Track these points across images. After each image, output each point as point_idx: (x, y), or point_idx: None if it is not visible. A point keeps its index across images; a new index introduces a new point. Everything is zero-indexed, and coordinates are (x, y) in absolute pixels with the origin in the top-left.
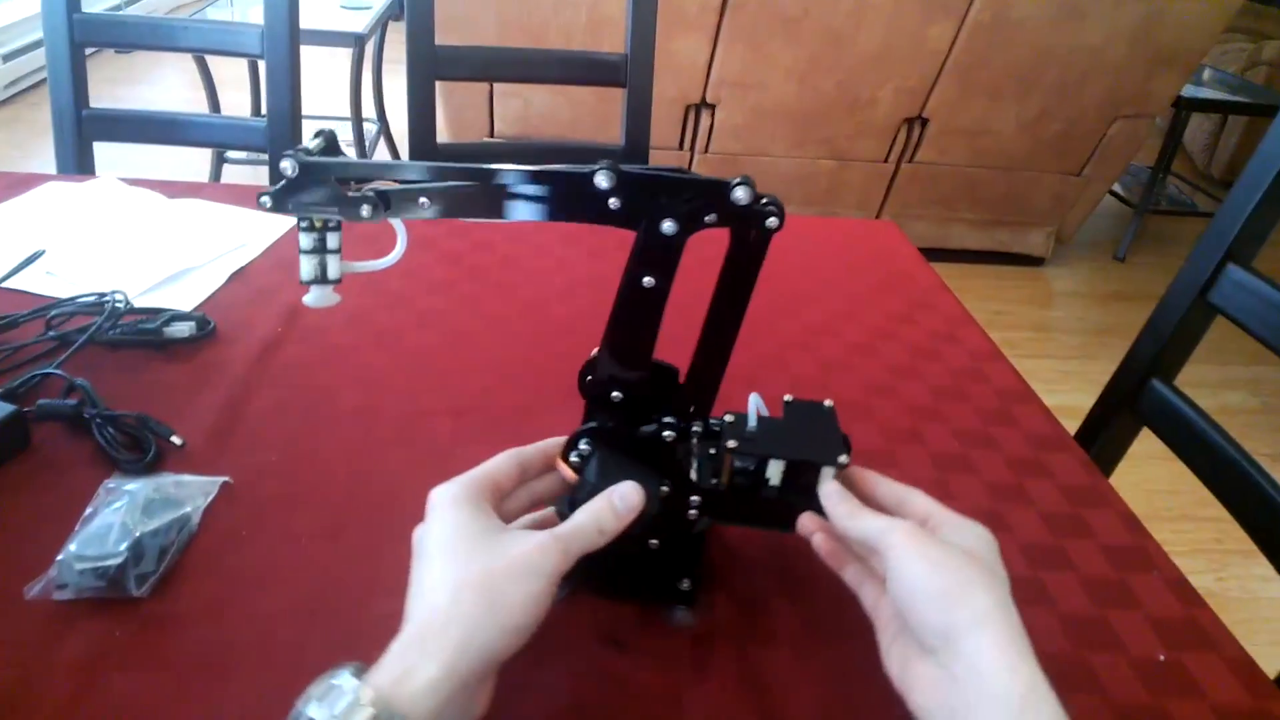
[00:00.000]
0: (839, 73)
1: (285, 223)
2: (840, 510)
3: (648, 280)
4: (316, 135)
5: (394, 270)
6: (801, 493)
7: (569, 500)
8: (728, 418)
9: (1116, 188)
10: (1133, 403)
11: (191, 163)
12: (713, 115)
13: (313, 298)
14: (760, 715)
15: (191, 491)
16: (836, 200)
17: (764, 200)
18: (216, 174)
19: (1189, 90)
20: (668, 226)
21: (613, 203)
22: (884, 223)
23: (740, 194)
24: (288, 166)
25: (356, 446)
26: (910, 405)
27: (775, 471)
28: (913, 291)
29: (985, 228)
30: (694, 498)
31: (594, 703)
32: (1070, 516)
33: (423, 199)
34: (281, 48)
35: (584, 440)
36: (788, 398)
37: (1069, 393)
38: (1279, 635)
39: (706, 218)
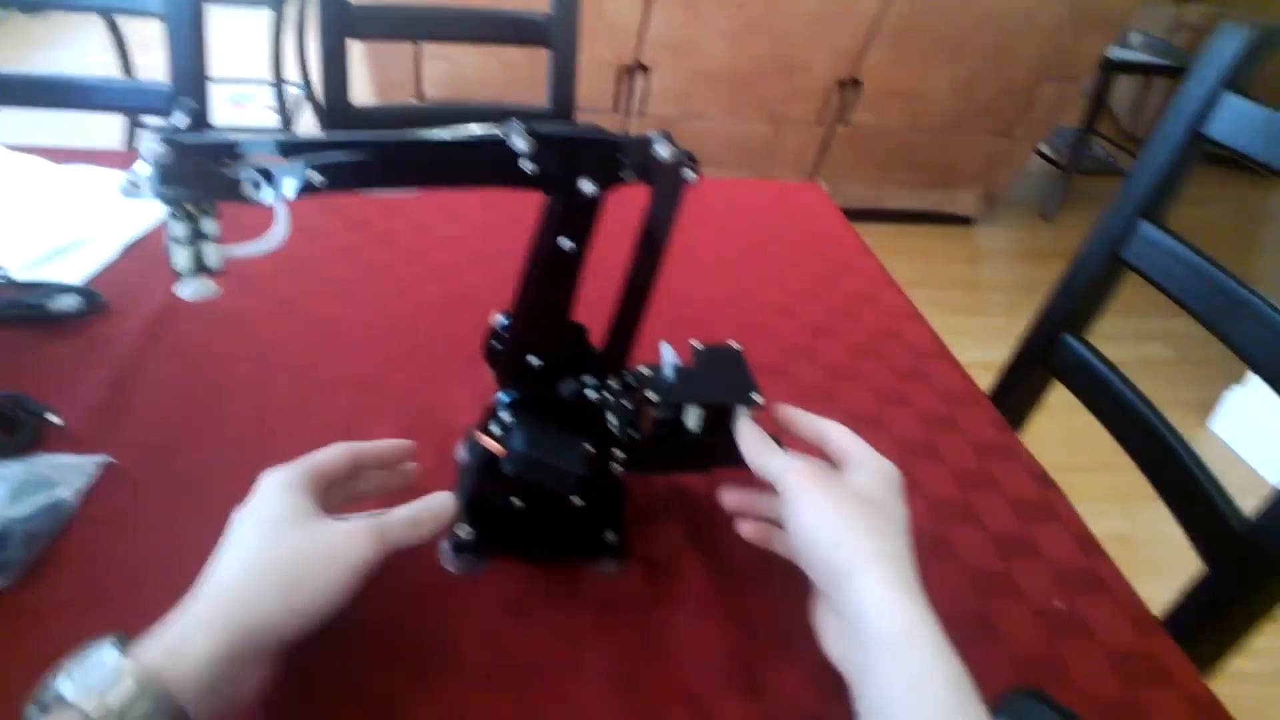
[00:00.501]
0: (773, 35)
1: None
2: (750, 447)
3: (565, 243)
4: (178, 109)
5: (298, 237)
6: (720, 434)
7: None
8: (643, 370)
9: (1044, 148)
10: (1044, 357)
11: (104, 132)
12: (647, 78)
13: (190, 290)
14: (667, 668)
15: (69, 473)
16: (772, 163)
17: (681, 156)
18: (129, 143)
19: (1115, 53)
20: (587, 186)
21: (526, 165)
22: (808, 185)
23: (661, 149)
24: (157, 152)
25: (251, 422)
26: (826, 365)
27: (693, 418)
28: (834, 253)
29: (918, 189)
30: (617, 453)
31: (500, 671)
32: (979, 472)
33: (313, 173)
34: (184, 5)
35: (505, 411)
36: (695, 343)
37: (996, 349)
38: (1180, 570)
39: (624, 175)
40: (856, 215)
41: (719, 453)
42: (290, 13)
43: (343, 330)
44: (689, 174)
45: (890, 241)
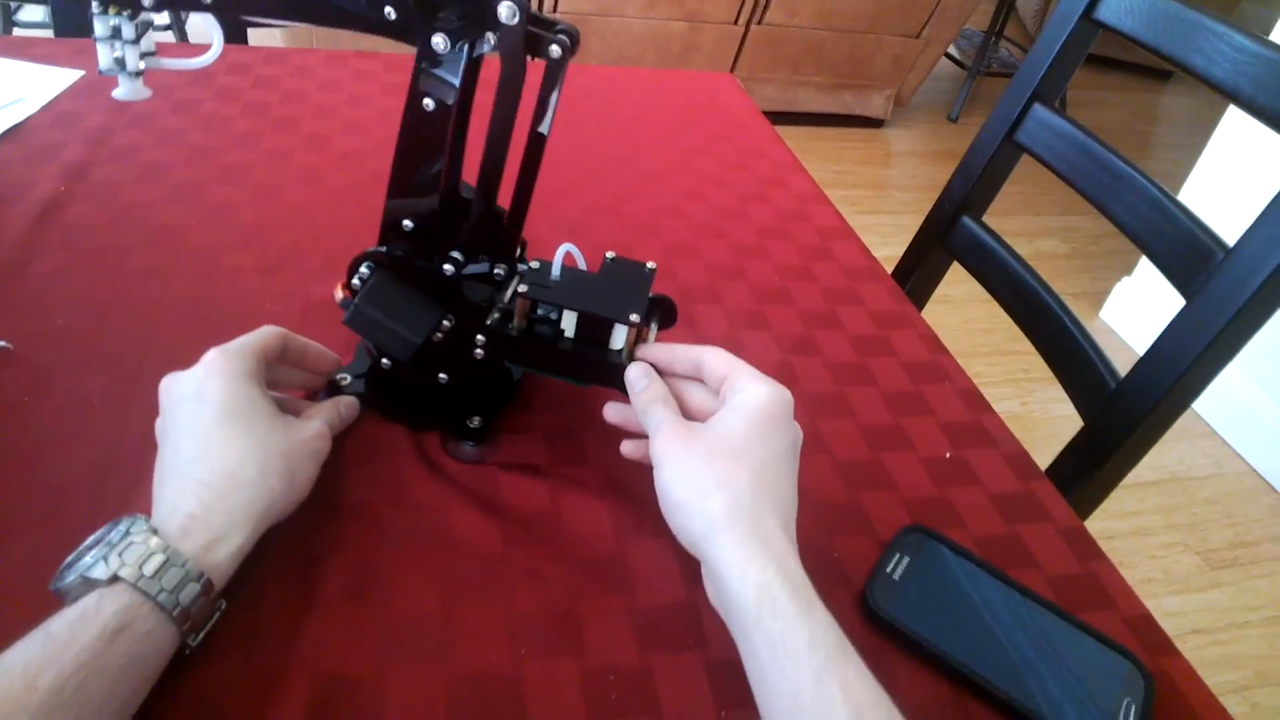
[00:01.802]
0: None
1: (68, 76)
2: (637, 397)
3: (427, 102)
4: None
5: (193, 122)
6: (596, 346)
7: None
8: (533, 264)
9: (952, 50)
10: (944, 238)
11: None
12: None
13: (121, 91)
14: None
15: None
16: (688, 63)
17: (557, 28)
18: (3, 28)
19: None
20: (438, 42)
21: (388, 11)
22: (722, 75)
23: (505, 11)
24: None
25: (152, 307)
26: (735, 245)
27: (569, 323)
28: (745, 140)
29: (830, 91)
30: (479, 337)
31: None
32: (876, 338)
33: None
34: None
35: (366, 264)
36: (610, 255)
37: (898, 244)
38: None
39: (485, 39)
40: (771, 116)
41: (598, 370)
42: None
43: (244, 217)
44: (554, 50)
45: (802, 144)
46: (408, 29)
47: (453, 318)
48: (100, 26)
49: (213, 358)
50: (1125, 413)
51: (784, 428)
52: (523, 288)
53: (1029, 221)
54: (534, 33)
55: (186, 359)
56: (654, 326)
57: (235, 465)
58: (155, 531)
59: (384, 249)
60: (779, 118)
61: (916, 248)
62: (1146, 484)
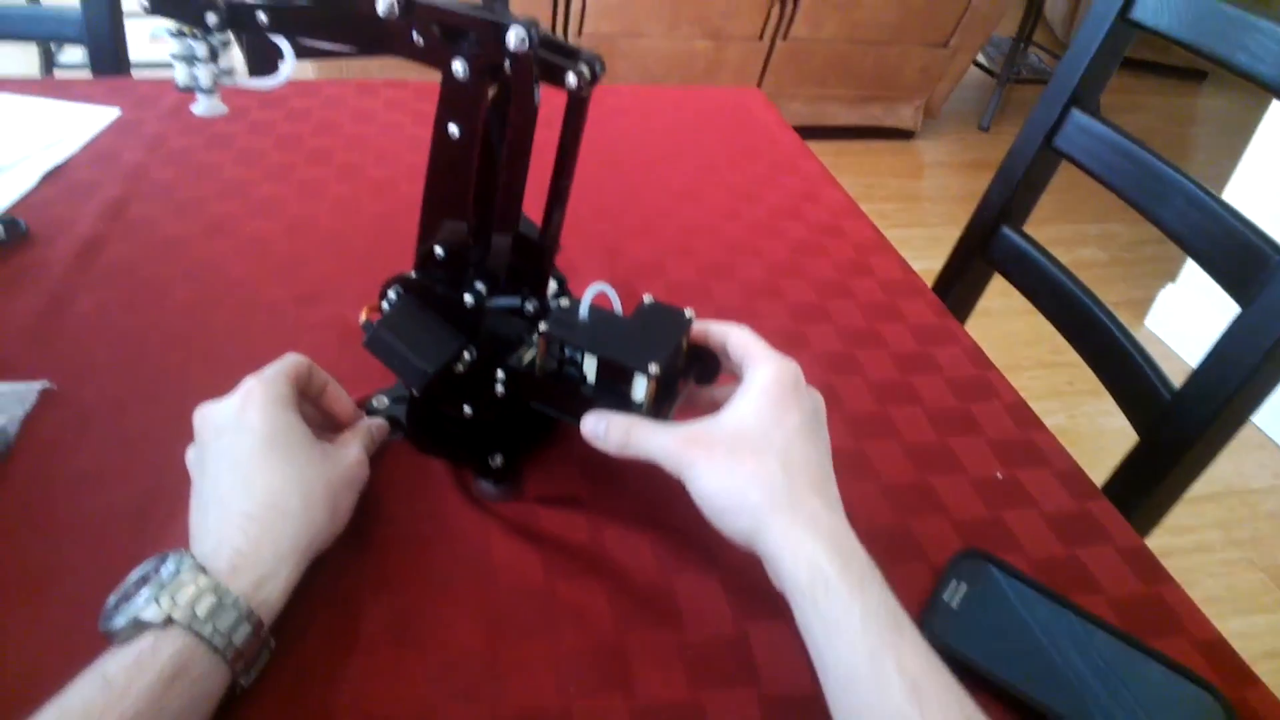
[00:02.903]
0: None
1: (106, 115)
2: (607, 444)
3: (453, 128)
4: None
5: (228, 157)
6: (617, 395)
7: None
8: (562, 302)
9: (981, 59)
10: (984, 250)
11: (16, 61)
12: None
13: (200, 107)
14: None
15: (6, 401)
16: (714, 80)
17: (580, 57)
18: (47, 71)
19: None
20: (458, 68)
21: (416, 37)
22: (749, 90)
23: (514, 39)
24: None
25: (191, 341)
26: (771, 262)
27: (590, 367)
28: (776, 155)
29: (858, 104)
30: (499, 373)
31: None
32: (919, 355)
33: (260, 13)
34: None
35: (394, 288)
36: (647, 298)
37: (937, 257)
38: (1118, 458)
39: (505, 65)
40: (799, 131)
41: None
42: None
43: (280, 249)
44: (570, 80)
45: (832, 158)
46: (433, 55)
47: (474, 350)
48: (177, 46)
49: (250, 386)
50: (1183, 425)
51: (795, 401)
52: (544, 326)
53: (1066, 229)
54: (550, 61)
55: (226, 392)
56: (690, 382)
57: (279, 497)
58: (204, 569)
59: (414, 275)
60: (807, 132)
61: (956, 260)
62: (1203, 497)
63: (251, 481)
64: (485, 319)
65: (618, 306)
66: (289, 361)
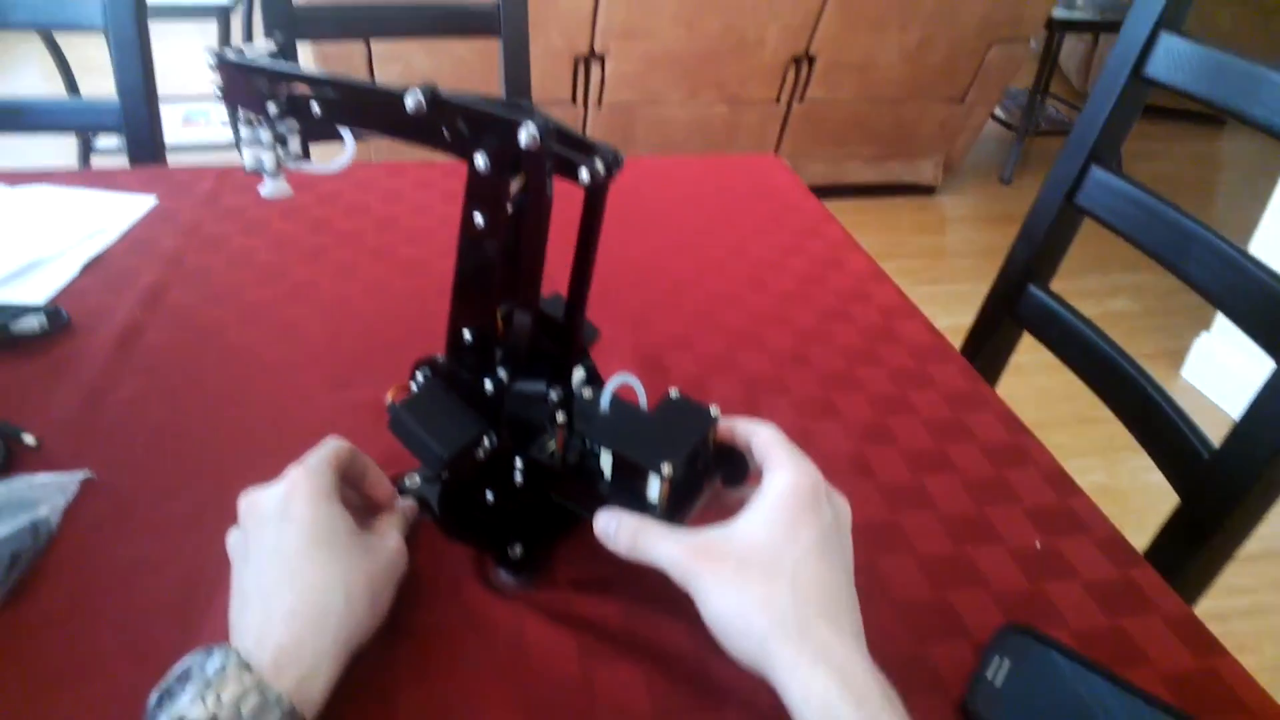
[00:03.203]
0: (724, 14)
1: (144, 204)
2: (616, 545)
3: (478, 217)
4: (268, 37)
5: (262, 242)
6: (631, 495)
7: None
8: (585, 393)
9: (998, 112)
10: (1012, 309)
11: (58, 158)
12: (603, 66)
13: (266, 189)
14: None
15: (48, 491)
16: (733, 144)
17: (595, 151)
18: (83, 165)
19: (1060, 12)
20: (479, 161)
21: (445, 131)
22: (768, 157)
23: (524, 137)
24: (209, 60)
25: (228, 429)
26: (798, 331)
27: (606, 463)
28: (798, 222)
29: (877, 161)
30: (518, 461)
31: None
32: (951, 421)
33: (314, 104)
34: (127, 18)
35: (423, 370)
36: (673, 391)
37: (962, 314)
38: (1164, 517)
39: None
40: (819, 191)
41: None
42: (237, 23)
43: (314, 333)
44: (584, 175)
45: (854, 215)
46: (458, 148)
47: (494, 437)
48: (244, 132)
49: (296, 476)
50: (1225, 485)
51: (813, 514)
52: (561, 417)
53: (1096, 281)
54: (565, 156)
55: (262, 479)
56: (716, 482)
57: (322, 594)
58: (248, 666)
59: (441, 358)
60: (828, 191)
61: (985, 319)
62: (1256, 556)
63: (296, 577)
64: (507, 406)
65: (643, 399)
66: (331, 448)
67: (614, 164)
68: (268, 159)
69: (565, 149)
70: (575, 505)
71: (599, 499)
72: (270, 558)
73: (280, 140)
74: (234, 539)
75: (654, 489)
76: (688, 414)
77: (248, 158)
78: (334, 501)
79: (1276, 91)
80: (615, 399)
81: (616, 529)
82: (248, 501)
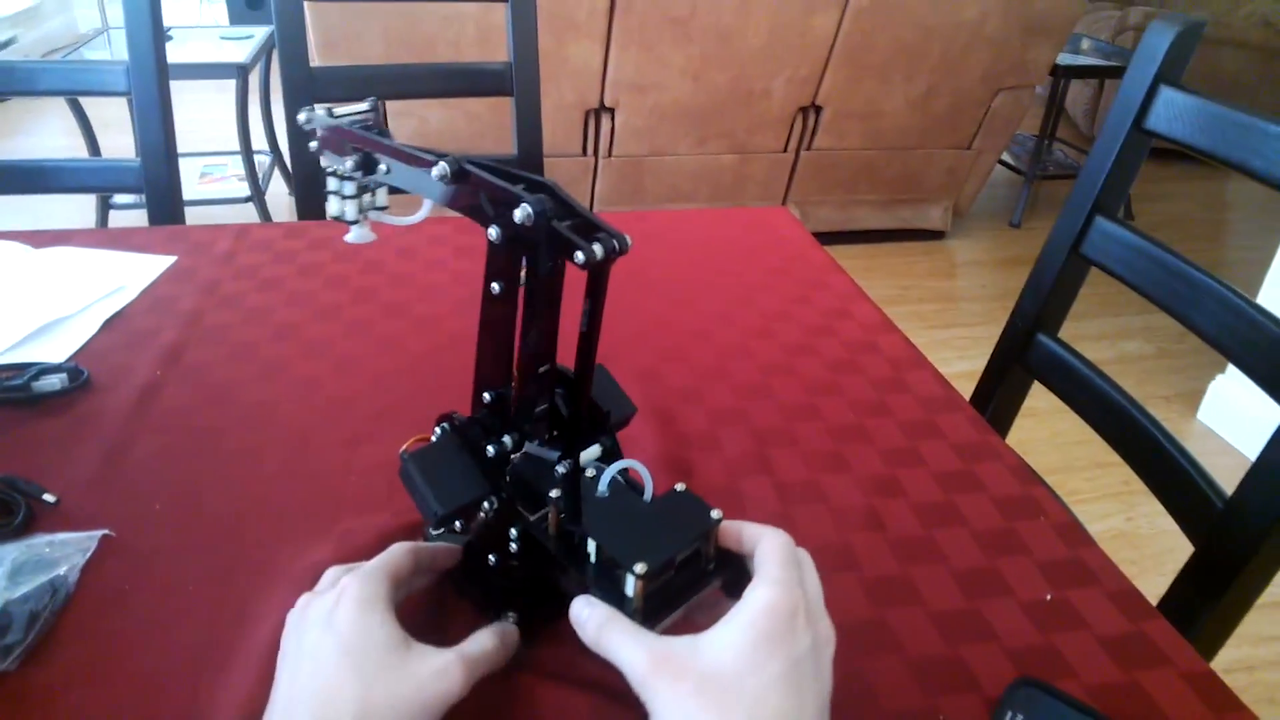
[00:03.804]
0: (732, 68)
1: (163, 263)
2: (588, 634)
3: (494, 285)
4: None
5: (278, 299)
6: (612, 585)
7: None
8: (589, 472)
9: (1006, 157)
10: (1022, 358)
11: (78, 214)
12: (613, 119)
13: (351, 235)
14: None
15: (67, 550)
16: (742, 193)
17: (596, 235)
18: (103, 222)
19: (1065, 58)
20: (492, 233)
21: (471, 206)
22: (775, 209)
23: (518, 214)
24: (301, 119)
25: (245, 487)
26: (806, 382)
27: (592, 549)
28: (806, 273)
29: (886, 207)
30: (512, 531)
31: None
32: (961, 473)
33: (382, 164)
34: (149, 82)
35: (443, 424)
36: (679, 486)
37: (977, 358)
38: (1181, 562)
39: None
40: (829, 238)
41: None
42: (255, 82)
43: (330, 389)
44: (579, 256)
45: (864, 262)
46: (479, 217)
47: (494, 501)
48: (330, 183)
49: (347, 583)
50: (1239, 535)
51: (784, 643)
52: (554, 493)
53: (1109, 324)
54: (564, 237)
55: (279, 540)
56: (716, 588)
57: (335, 706)
58: None
59: (459, 416)
60: (837, 237)
61: (994, 369)
62: None
63: (321, 691)
64: (516, 471)
65: (649, 489)
66: (391, 555)
67: (615, 250)
68: (350, 208)
69: (568, 230)
70: (561, 582)
71: (583, 583)
72: (307, 665)
73: (366, 190)
74: (285, 641)
75: (629, 586)
76: (688, 512)
77: (332, 206)
78: (378, 611)
79: (1274, 144)
80: (617, 483)
81: (587, 618)
82: (300, 605)
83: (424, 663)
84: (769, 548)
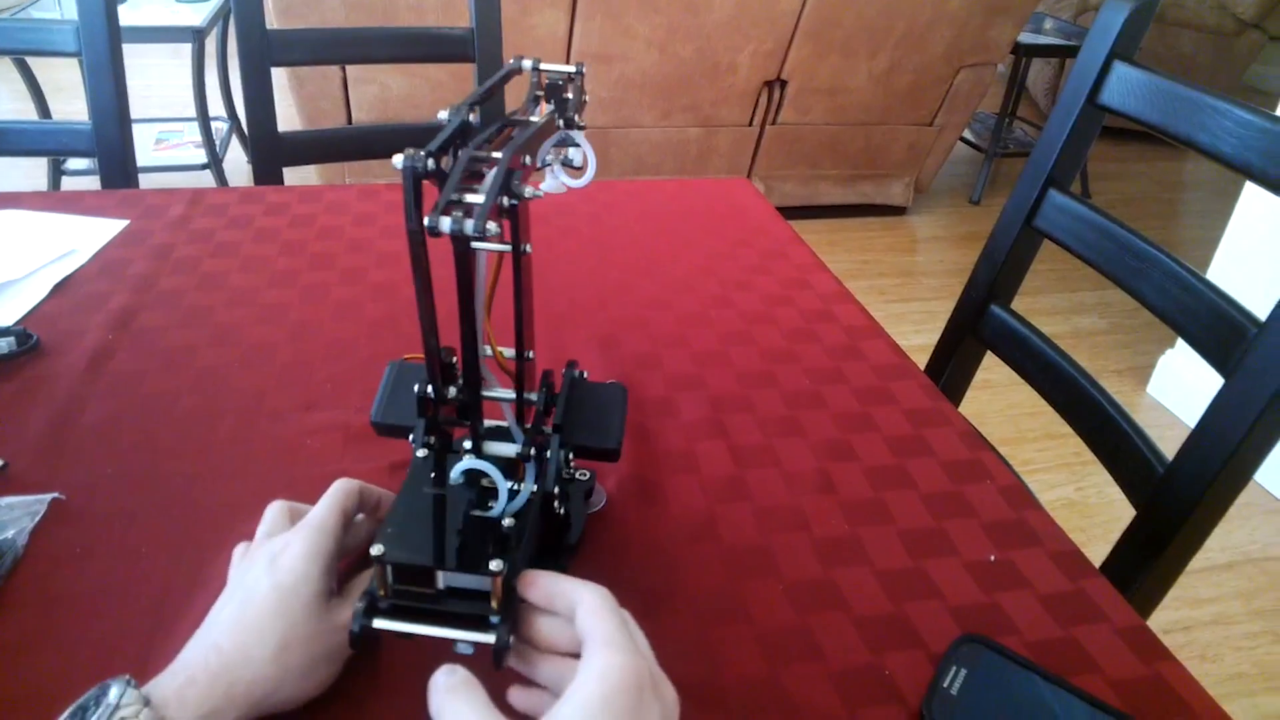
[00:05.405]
0: (698, 39)
1: (115, 226)
2: (431, 698)
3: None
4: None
5: (233, 264)
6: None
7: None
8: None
9: (968, 134)
10: (975, 328)
11: (26, 180)
12: None
13: (546, 184)
14: None
15: (15, 514)
16: (707, 166)
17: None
18: (54, 187)
19: (1027, 37)
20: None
21: None
22: (738, 180)
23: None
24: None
25: (197, 452)
26: (764, 349)
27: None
28: (766, 243)
29: (849, 182)
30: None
31: None
32: (912, 438)
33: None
34: (100, 43)
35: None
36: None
37: (933, 331)
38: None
39: None
40: (792, 213)
41: (477, 621)
42: (211, 46)
43: (284, 355)
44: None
45: (827, 236)
46: None
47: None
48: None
49: (296, 536)
50: (1177, 498)
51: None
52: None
53: (1063, 299)
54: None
55: (232, 504)
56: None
57: (253, 639)
58: (147, 701)
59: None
60: (801, 212)
61: (948, 339)
62: (1220, 566)
63: (243, 618)
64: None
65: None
66: (340, 494)
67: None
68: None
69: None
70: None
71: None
72: (239, 595)
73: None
74: (234, 571)
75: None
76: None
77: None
78: (318, 562)
79: (1218, 119)
80: (470, 474)
81: (439, 683)
82: (258, 539)
83: (342, 613)
84: (592, 608)
